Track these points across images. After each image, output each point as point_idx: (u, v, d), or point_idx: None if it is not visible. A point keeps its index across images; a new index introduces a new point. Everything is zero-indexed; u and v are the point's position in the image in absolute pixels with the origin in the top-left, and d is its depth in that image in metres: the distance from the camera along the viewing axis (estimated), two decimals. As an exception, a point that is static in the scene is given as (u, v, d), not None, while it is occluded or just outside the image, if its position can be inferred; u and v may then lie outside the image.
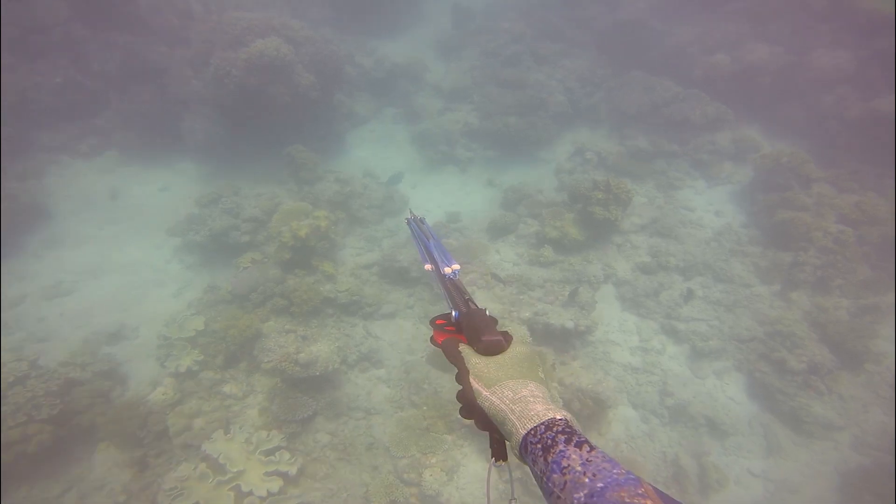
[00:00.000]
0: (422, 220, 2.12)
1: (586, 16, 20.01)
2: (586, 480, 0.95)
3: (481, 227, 12.53)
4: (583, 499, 0.93)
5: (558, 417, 1.14)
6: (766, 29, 16.29)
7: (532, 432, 1.12)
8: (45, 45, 14.31)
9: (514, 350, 1.38)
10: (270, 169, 13.80)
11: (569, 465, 1.00)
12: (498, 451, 1.27)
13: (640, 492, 0.90)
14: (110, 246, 12.08)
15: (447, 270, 1.69)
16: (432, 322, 1.54)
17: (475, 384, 1.28)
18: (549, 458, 1.05)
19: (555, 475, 1.01)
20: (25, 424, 7.69)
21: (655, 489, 0.92)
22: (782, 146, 13.47)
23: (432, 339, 1.50)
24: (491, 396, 1.24)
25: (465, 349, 1.39)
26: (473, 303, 1.54)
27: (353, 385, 8.86)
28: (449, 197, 14.13)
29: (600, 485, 0.93)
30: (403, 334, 9.74)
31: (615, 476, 0.94)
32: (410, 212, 2.29)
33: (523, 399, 1.20)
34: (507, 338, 1.42)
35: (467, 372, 1.32)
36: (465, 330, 1.44)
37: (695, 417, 9.21)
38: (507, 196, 13.32)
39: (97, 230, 12.45)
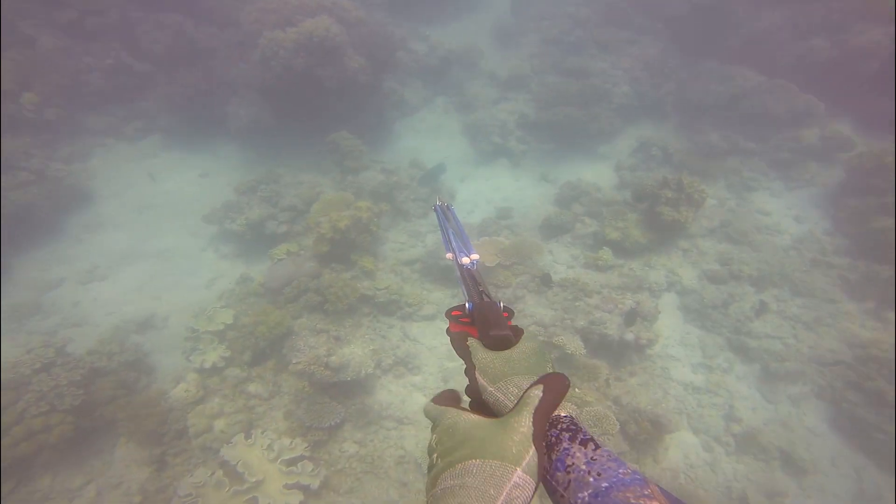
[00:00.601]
0: (448, 208, 1.99)
1: (658, 1, 18.78)
2: (591, 479, 0.92)
3: (534, 225, 11.72)
4: (587, 498, 0.89)
5: (563, 414, 1.11)
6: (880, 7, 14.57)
7: None
8: (101, 27, 14.34)
9: (524, 345, 1.31)
10: (314, 157, 13.40)
11: (573, 464, 0.97)
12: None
13: (646, 492, 0.86)
14: (147, 231, 11.92)
15: (465, 260, 1.63)
16: (448, 313, 1.48)
17: (480, 379, 1.23)
18: (553, 456, 1.02)
19: (559, 473, 0.98)
20: (48, 414, 7.44)
21: (662, 490, 0.89)
22: (884, 145, 12.01)
23: (448, 331, 1.44)
24: (496, 392, 1.18)
25: (473, 343, 1.33)
26: (487, 294, 1.49)
27: (387, 392, 8.25)
28: (500, 191, 13.36)
29: (605, 484, 0.89)
30: (444, 338, 9.06)
31: (620, 475, 0.91)
32: (439, 198, 2.12)
33: None
34: (516, 332, 1.35)
35: (473, 367, 1.27)
36: (476, 322, 1.39)
37: (766, 449, 8.15)
38: (562, 192, 12.45)
39: (136, 215, 12.34)
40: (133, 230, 11.92)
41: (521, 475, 0.95)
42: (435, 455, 1.07)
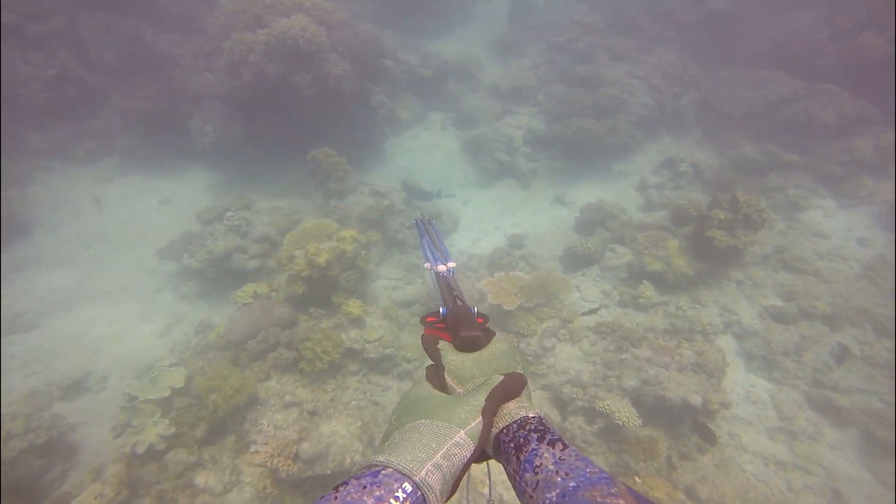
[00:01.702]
0: (430, 222, 2.07)
1: (667, 8, 17.33)
2: (558, 479, 0.92)
3: (553, 255, 9.87)
4: (555, 498, 0.89)
5: (531, 415, 1.11)
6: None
7: (504, 430, 1.09)
8: (43, 34, 12.48)
9: (494, 346, 1.34)
10: (293, 179, 11.57)
11: (541, 464, 0.97)
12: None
13: (612, 491, 0.85)
14: (94, 269, 9.95)
15: (441, 268, 1.66)
16: (423, 319, 1.49)
17: (450, 381, 1.25)
18: (522, 457, 1.02)
19: (527, 474, 0.98)
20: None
21: (629, 489, 0.88)
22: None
23: (423, 336, 1.43)
24: (463, 393, 1.19)
25: (444, 346, 1.35)
26: (462, 300, 1.52)
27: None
28: (509, 216, 11.53)
29: (572, 484, 0.89)
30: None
31: (588, 475, 0.91)
32: (421, 213, 2.16)
33: None
34: (487, 334, 1.39)
35: (443, 369, 1.28)
36: (449, 326, 1.42)
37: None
38: (584, 216, 10.63)
39: (82, 249, 10.36)
40: (76, 268, 9.94)
41: (463, 436, 1.03)
42: (392, 417, 1.14)
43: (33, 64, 12.00)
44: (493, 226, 11.09)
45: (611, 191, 12.08)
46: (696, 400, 6.47)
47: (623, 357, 7.09)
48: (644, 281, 8.45)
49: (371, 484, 0.87)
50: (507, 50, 16.83)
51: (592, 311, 7.98)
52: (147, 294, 9.49)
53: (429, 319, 1.50)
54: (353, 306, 7.72)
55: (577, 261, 9.46)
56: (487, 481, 1.96)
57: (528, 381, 1.22)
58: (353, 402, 6.75)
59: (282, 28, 10.52)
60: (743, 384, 7.92)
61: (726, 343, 8.23)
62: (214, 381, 6.54)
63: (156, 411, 6.45)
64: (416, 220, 2.12)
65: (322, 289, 7.86)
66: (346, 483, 0.89)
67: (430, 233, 1.97)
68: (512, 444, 1.06)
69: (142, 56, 12.22)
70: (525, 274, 8.17)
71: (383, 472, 0.91)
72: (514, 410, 1.14)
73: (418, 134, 14.19)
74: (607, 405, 6.45)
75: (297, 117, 11.49)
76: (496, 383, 1.16)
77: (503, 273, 8.22)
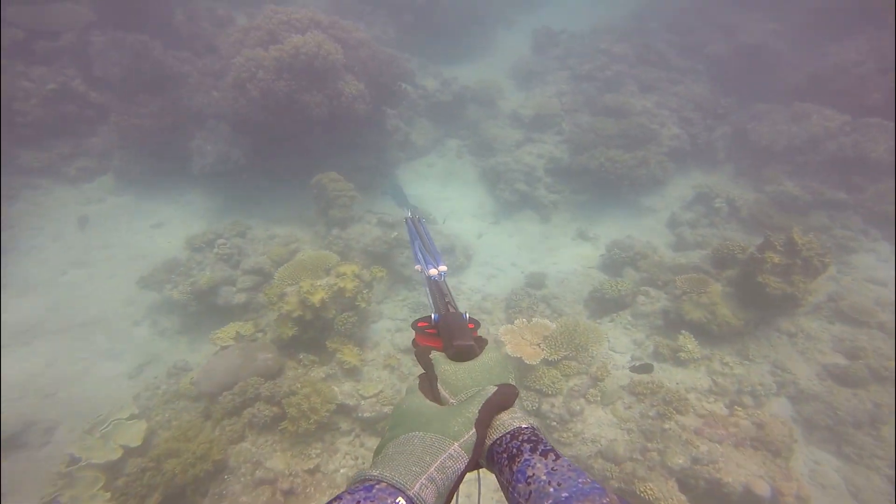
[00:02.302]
0: (419, 221, 2.01)
1: (696, 41, 16.41)
2: (551, 490, 0.90)
3: (577, 297, 8.64)
4: None
5: (524, 426, 1.08)
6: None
7: (497, 441, 1.06)
8: (51, 51, 11.72)
9: (487, 356, 1.30)
10: (295, 205, 10.57)
11: (534, 475, 0.95)
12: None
13: (604, 501, 0.84)
14: (68, 297, 8.88)
15: (433, 272, 1.61)
16: (414, 324, 1.44)
17: (442, 391, 1.20)
18: (515, 468, 0.99)
19: (520, 485, 0.96)
20: None
21: (621, 499, 0.87)
22: None
23: (414, 342, 1.41)
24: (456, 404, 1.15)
25: (437, 355, 1.30)
26: (454, 306, 1.47)
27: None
28: (527, 251, 10.36)
29: (565, 494, 0.87)
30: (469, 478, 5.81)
31: (580, 485, 0.89)
32: (410, 212, 2.08)
33: None
34: (480, 343, 1.35)
35: (436, 379, 1.23)
36: (441, 334, 1.37)
37: None
38: (611, 255, 9.44)
39: (56, 275, 9.31)
40: (46, 296, 8.87)
41: (458, 448, 1.00)
42: (386, 428, 1.10)
43: (34, 79, 11.18)
44: (510, 262, 9.92)
45: (638, 227, 10.89)
46: (764, 489, 5.15)
47: (666, 426, 5.80)
48: (683, 331, 7.19)
49: (365, 499, 0.85)
50: (530, 78, 15.89)
51: (643, 369, 6.67)
52: (121, 328, 8.38)
53: (420, 325, 1.44)
54: (350, 354, 6.55)
55: (605, 305, 8.22)
56: (477, 491, 1.40)
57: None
58: (341, 472, 5.52)
59: (294, 44, 9.61)
60: (807, 460, 6.57)
61: (780, 407, 6.89)
62: (176, 443, 5.35)
63: (98, 479, 5.27)
64: (405, 218, 2.01)
65: (315, 331, 6.72)
66: (339, 498, 0.86)
67: (420, 234, 1.90)
68: (505, 455, 1.02)
69: (147, 72, 11.35)
70: (549, 321, 6.92)
71: (377, 486, 0.89)
72: (506, 421, 1.09)
73: (433, 161, 13.16)
74: (649, 489, 5.15)
75: (305, 139, 10.52)
76: (490, 394, 1.12)
77: (524, 319, 6.99)
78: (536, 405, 6.18)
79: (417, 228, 1.94)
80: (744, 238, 10.12)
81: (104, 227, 10.58)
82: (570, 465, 0.96)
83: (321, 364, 6.60)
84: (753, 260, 7.33)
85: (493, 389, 1.13)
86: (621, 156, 10.95)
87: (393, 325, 7.80)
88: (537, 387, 6.25)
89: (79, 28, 11.95)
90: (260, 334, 7.10)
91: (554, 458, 0.98)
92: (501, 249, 10.35)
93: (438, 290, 1.57)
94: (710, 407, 6.21)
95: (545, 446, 1.02)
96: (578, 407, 6.05)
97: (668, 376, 6.82)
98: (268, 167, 11.12)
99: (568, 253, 10.28)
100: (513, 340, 6.49)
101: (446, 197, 11.88)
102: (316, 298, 6.39)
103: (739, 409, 6.17)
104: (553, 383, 6.23)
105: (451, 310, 1.45)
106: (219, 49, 11.97)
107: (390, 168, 11.94)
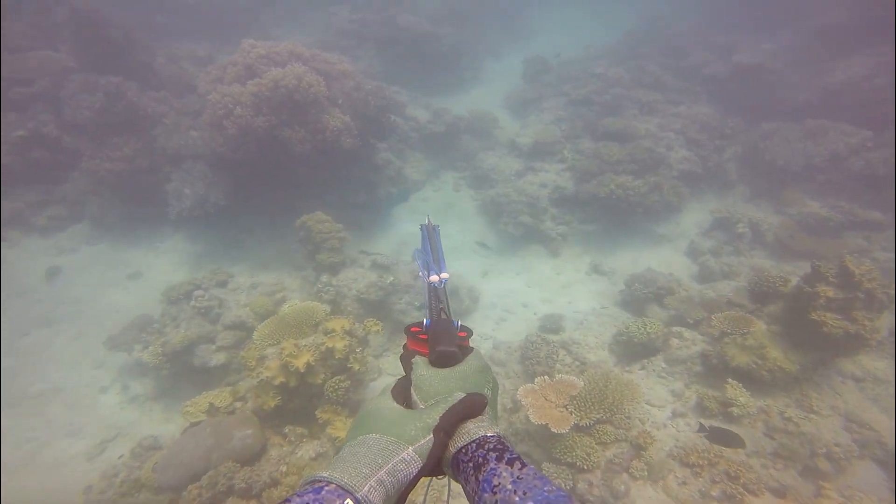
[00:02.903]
0: (434, 229, 1.88)
1: (691, 64, 15.69)
2: (517, 499, 0.86)
3: (600, 342, 7.55)
4: None
5: (489, 435, 1.03)
6: None
7: (463, 450, 1.01)
8: (27, 97, 10.81)
9: (467, 364, 1.24)
10: (283, 247, 9.56)
11: (499, 484, 0.91)
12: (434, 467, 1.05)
13: None
14: (24, 363, 7.72)
15: (434, 278, 1.54)
16: (407, 329, 1.38)
17: (414, 396, 1.16)
18: (480, 477, 0.95)
19: (486, 494, 0.91)
20: None
21: None
22: None
23: (404, 346, 1.37)
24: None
25: (419, 360, 1.26)
26: (447, 313, 1.42)
27: None
28: (538, 289, 9.30)
29: (531, 503, 0.84)
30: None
31: (545, 494, 0.85)
32: (428, 219, 1.97)
33: None
34: (465, 351, 1.30)
35: (409, 383, 1.20)
36: (429, 339, 1.32)
37: None
38: (631, 291, 8.40)
39: (17, 337, 8.17)
40: (5, 360, 7.68)
41: (411, 453, 0.98)
42: (348, 431, 1.09)
43: (3, 125, 10.21)
44: (520, 302, 8.84)
45: (655, 257, 9.87)
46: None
47: (731, 508, 4.66)
48: (730, 380, 6.08)
49: (314, 500, 0.83)
50: (525, 106, 15.07)
51: (723, 438, 5.45)
52: (85, 396, 7.24)
53: (413, 329, 1.37)
54: (342, 426, 5.41)
55: (633, 349, 7.13)
56: (448, 495, 1.27)
57: (489, 401, 1.12)
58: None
59: (273, 77, 8.71)
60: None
61: (868, 472, 5.73)
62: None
63: None
64: (421, 225, 1.91)
65: (303, 399, 5.59)
66: (288, 500, 0.82)
67: (432, 240, 1.78)
68: (471, 464, 0.98)
69: (121, 114, 10.39)
70: (575, 377, 5.80)
71: (326, 487, 0.86)
72: (472, 430, 1.04)
73: (429, 195, 12.18)
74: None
75: (290, 176, 9.55)
76: (455, 402, 1.08)
77: (545, 377, 5.86)
78: (570, 483, 5.02)
79: (431, 236, 1.84)
80: (773, 265, 9.12)
81: (76, 279, 9.49)
82: (535, 474, 0.91)
83: (311, 437, 5.47)
84: (802, 294, 6.28)
85: (459, 396, 1.09)
86: (632, 182, 9.99)
87: (392, 382, 6.67)
88: (569, 459, 5.11)
89: (57, 72, 11.08)
90: (239, 403, 5.95)
91: (520, 466, 0.93)
92: (510, 289, 9.27)
93: (436, 296, 1.49)
94: (782, 477, 5.07)
95: (511, 455, 0.97)
96: (623, 486, 4.90)
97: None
98: (251, 208, 10.13)
99: (583, 290, 9.22)
100: (535, 403, 5.36)
101: (446, 234, 10.83)
102: (300, 362, 5.29)
103: (826, 484, 5.04)
104: (588, 455, 5.09)
105: (444, 316, 1.39)
106: (197, 88, 11.08)
107: (383, 204, 10.92)
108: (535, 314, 8.51)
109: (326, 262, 8.06)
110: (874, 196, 9.87)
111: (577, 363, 7.06)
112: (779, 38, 17.33)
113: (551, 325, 7.94)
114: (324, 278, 8.04)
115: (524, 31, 24.32)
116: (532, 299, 8.99)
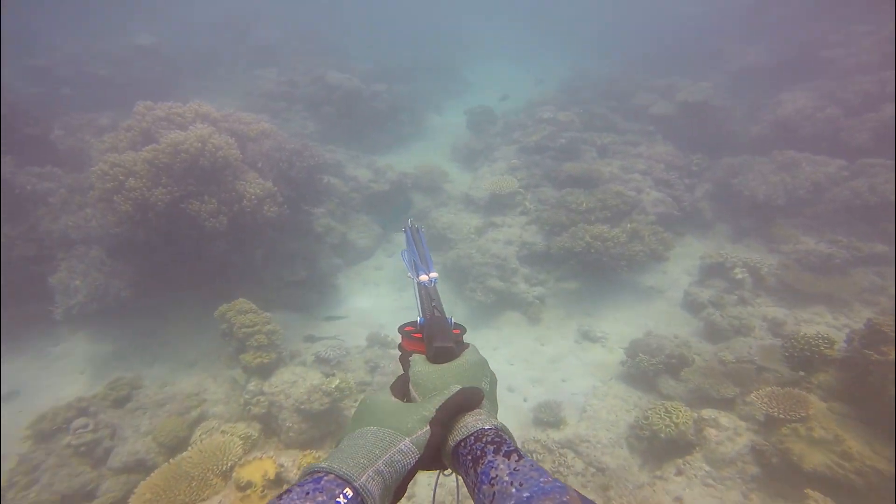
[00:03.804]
0: (418, 230, 1.86)
1: (637, 105, 14.96)
2: (513, 490, 0.85)
3: (615, 437, 5.81)
4: None
5: (487, 428, 1.01)
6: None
7: (462, 443, 1.00)
8: None
9: (463, 358, 1.22)
10: (207, 341, 7.41)
11: (497, 476, 0.90)
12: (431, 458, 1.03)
13: (564, 499, 0.79)
14: None
15: (423, 278, 1.54)
16: (401, 329, 1.38)
17: (413, 391, 1.15)
18: (479, 469, 0.94)
19: (484, 486, 0.90)
20: None
21: (581, 496, 0.82)
22: None
23: (400, 346, 1.37)
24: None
25: (416, 357, 1.24)
26: (440, 311, 1.37)
27: None
28: (524, 367, 7.53)
29: (526, 494, 0.82)
30: None
31: (541, 484, 0.84)
32: (411, 222, 1.93)
33: None
34: (460, 346, 1.28)
35: (407, 379, 1.19)
36: (424, 337, 1.31)
37: None
38: (637, 364, 6.81)
39: None
40: None
41: (409, 444, 0.96)
42: (349, 423, 1.09)
43: None
44: (505, 386, 7.01)
45: (649, 314, 8.36)
46: None
47: None
48: (809, 491, 4.40)
49: (314, 490, 0.82)
50: (474, 157, 13.72)
51: None
52: None
53: (406, 329, 1.37)
54: None
55: (659, 447, 5.39)
56: (456, 496, 1.15)
57: (487, 394, 1.11)
58: None
59: (172, 141, 6.90)
60: None
61: None
62: None
63: None
64: (404, 228, 1.87)
65: None
66: (289, 491, 0.81)
67: (416, 243, 1.75)
68: (469, 457, 0.96)
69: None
70: (576, 480, 3.98)
71: (325, 477, 0.85)
72: (470, 423, 1.02)
73: (380, 262, 10.38)
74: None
75: (209, 256, 7.53)
76: (451, 394, 1.05)
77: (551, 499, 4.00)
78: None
79: (415, 238, 1.75)
80: (785, 314, 7.74)
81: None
82: (532, 465, 0.90)
83: None
84: (863, 360, 4.78)
85: (456, 389, 1.06)
86: (609, 232, 8.55)
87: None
88: None
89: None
90: None
91: (517, 458, 0.92)
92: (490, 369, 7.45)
93: (427, 295, 1.45)
94: None
95: (508, 447, 0.95)
96: None
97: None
98: (170, 296, 8.01)
99: (576, 363, 7.50)
100: None
101: (405, 305, 9.04)
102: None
103: None
104: None
105: (437, 314, 1.35)
106: (92, 159, 9.09)
107: (327, 278, 9.02)
108: (525, 400, 6.71)
109: (254, 365, 6.01)
110: (869, 227, 8.82)
111: (593, 469, 5.27)
112: (710, 78, 17.03)
113: (548, 415, 6.14)
114: (252, 385, 5.98)
115: (460, 87, 23.56)
116: (518, 380, 7.18)
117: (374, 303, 9.12)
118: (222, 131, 8.26)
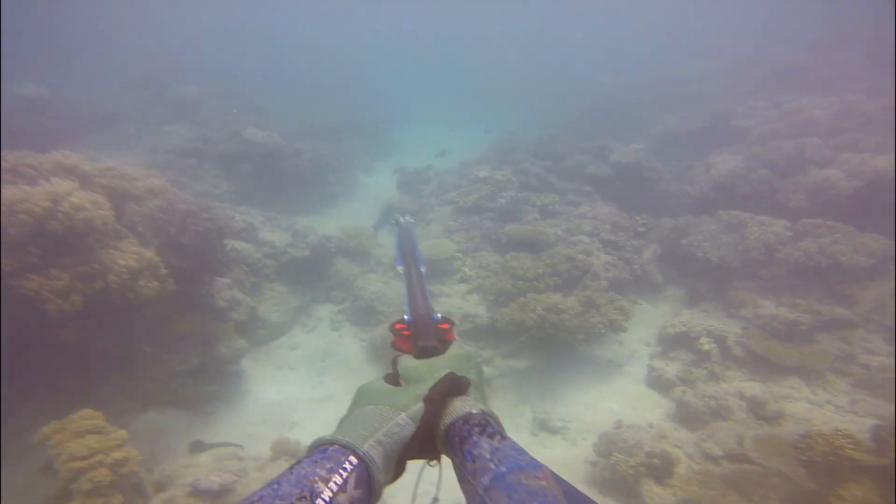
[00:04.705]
0: (409, 225, 2.04)
1: (571, 165, 14.34)
2: (492, 466, 0.89)
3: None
4: (486, 482, 0.87)
5: (474, 412, 1.04)
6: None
7: (451, 426, 1.03)
8: None
9: (451, 352, 1.27)
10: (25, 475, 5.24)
11: (479, 454, 0.94)
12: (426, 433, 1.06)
13: (538, 474, 0.86)
14: None
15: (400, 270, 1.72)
16: (391, 327, 1.44)
17: (403, 383, 1.18)
18: (464, 449, 0.97)
19: (468, 464, 0.94)
20: None
21: (555, 475, 0.89)
22: None
23: (393, 344, 1.41)
24: None
25: (404, 356, 1.28)
26: (429, 307, 1.45)
27: None
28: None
29: (504, 469, 0.87)
30: None
31: (518, 461, 0.90)
32: (401, 216, 2.08)
33: None
34: (445, 342, 1.32)
35: (397, 374, 1.21)
36: (411, 335, 1.37)
37: None
38: (612, 465, 5.44)
39: None
40: None
41: (405, 417, 1.00)
42: (348, 408, 1.11)
43: None
44: (456, 501, 5.38)
45: (612, 394, 7.12)
46: None
47: None
48: None
49: (321, 459, 0.86)
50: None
51: None
52: None
53: (397, 326, 1.43)
54: None
55: None
56: (439, 479, 1.11)
57: (474, 383, 1.14)
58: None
59: (8, 200, 5.07)
60: None
61: None
62: None
63: None
64: (395, 221, 2.02)
65: None
66: (299, 462, 0.86)
67: (406, 239, 1.90)
68: (457, 438, 1.01)
69: None
70: None
71: (331, 448, 0.90)
72: (459, 407, 1.06)
73: (297, 340, 8.62)
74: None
75: (52, 345, 5.57)
76: (441, 377, 1.10)
77: None
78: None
79: (404, 234, 1.91)
80: (762, 389, 6.68)
81: None
82: (513, 446, 0.96)
83: None
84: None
85: (444, 373, 1.11)
86: (563, 302, 7.35)
87: None
88: None
89: None
90: None
91: (500, 439, 0.97)
92: (434, 472, 5.81)
93: (413, 287, 1.56)
94: None
95: (493, 429, 1.00)
96: None
97: None
98: (14, 404, 5.88)
99: (537, 458, 6.02)
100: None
101: (327, 395, 7.30)
102: None
103: None
104: None
105: (421, 311, 1.41)
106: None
107: (228, 365, 7.16)
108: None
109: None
110: (824, 289, 8.14)
111: None
112: (635, 142, 17.00)
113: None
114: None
115: (389, 148, 22.62)
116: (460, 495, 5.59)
117: (287, 393, 7.31)
118: (96, 188, 6.52)
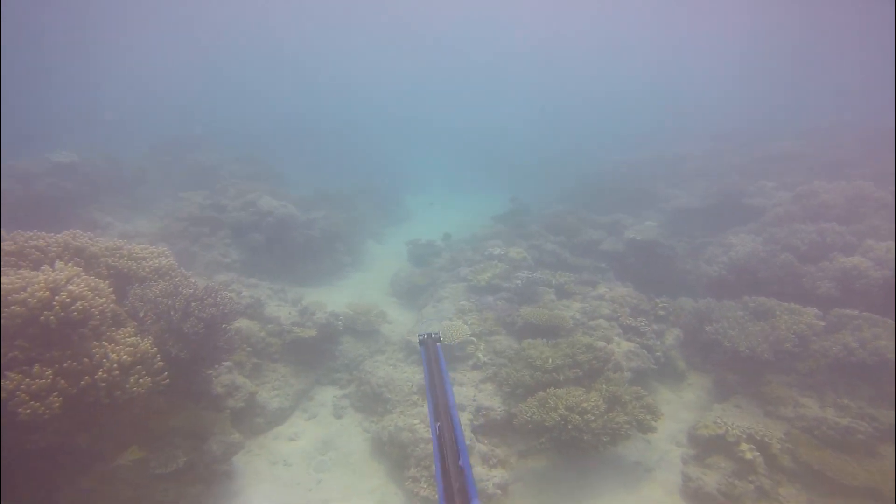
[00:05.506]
0: (436, 343, 1.93)
1: (585, 241, 13.99)
2: None
3: None
4: None
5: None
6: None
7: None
8: None
9: None
10: None
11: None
12: None
13: None
14: None
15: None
16: None
17: None
18: None
19: None
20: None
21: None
22: None
23: None
24: None
25: None
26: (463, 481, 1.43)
27: None
28: None
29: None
30: None
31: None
32: (427, 334, 1.97)
33: None
34: None
35: None
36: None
37: None
38: None
39: None
40: None
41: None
42: None
43: None
44: None
45: (641, 502, 6.27)
46: None
47: None
48: None
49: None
50: (417, 295, 11.96)
51: None
52: None
53: None
54: None
55: None
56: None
57: None
58: None
59: (6, 289, 4.64)
60: None
61: None
62: None
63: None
64: (420, 338, 1.93)
65: None
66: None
67: (431, 365, 1.75)
68: None
69: None
70: None
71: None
72: None
73: (297, 430, 7.91)
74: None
75: (19, 451, 4.95)
76: None
77: None
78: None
79: (430, 357, 1.75)
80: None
81: None
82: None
83: None
84: None
85: None
86: (586, 400, 6.66)
87: None
88: None
89: None
90: None
91: None
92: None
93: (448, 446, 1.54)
94: None
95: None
96: None
97: None
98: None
99: None
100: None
101: (322, 500, 6.49)
102: None
103: None
104: None
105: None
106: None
107: (218, 464, 6.45)
108: None
109: None
110: (874, 389, 7.39)
111: None
112: (648, 217, 16.69)
113: None
114: None
115: (401, 214, 22.49)
116: None
117: (279, 497, 6.53)
118: (101, 269, 6.14)
